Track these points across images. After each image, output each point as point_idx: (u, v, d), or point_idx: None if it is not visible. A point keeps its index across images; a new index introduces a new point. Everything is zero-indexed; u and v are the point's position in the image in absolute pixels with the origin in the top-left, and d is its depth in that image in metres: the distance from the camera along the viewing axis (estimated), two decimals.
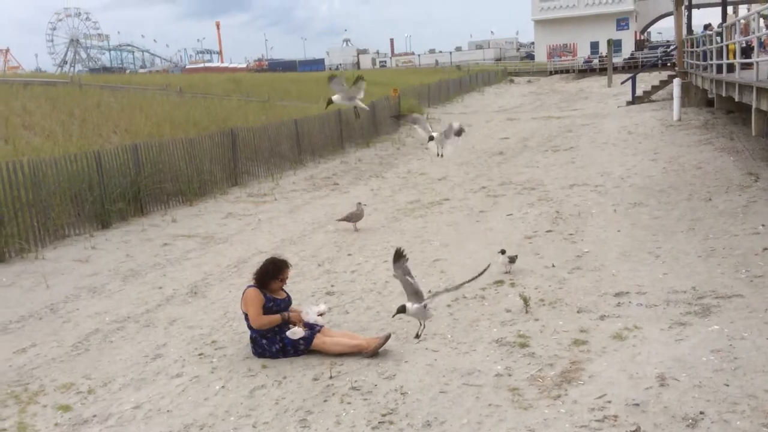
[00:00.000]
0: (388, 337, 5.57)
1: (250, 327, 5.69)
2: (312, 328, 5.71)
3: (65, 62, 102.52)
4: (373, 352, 5.49)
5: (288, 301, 5.84)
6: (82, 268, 8.78)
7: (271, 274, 5.73)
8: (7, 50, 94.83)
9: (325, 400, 4.81)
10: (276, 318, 5.64)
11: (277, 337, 5.62)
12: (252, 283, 5.77)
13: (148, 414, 4.81)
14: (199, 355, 5.82)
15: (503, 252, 7.40)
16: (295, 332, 5.53)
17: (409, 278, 5.26)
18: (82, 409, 4.96)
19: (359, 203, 10.50)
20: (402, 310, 5.24)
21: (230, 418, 4.67)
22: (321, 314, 5.78)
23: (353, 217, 10.18)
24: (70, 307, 7.35)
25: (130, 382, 5.37)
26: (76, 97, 20.35)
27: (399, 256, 5.19)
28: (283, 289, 5.87)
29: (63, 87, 23.00)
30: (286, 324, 5.62)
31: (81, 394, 5.21)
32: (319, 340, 5.63)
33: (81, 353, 6.06)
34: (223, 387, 5.16)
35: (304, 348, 5.61)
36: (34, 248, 9.38)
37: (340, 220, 10.46)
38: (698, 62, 21.56)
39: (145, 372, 5.55)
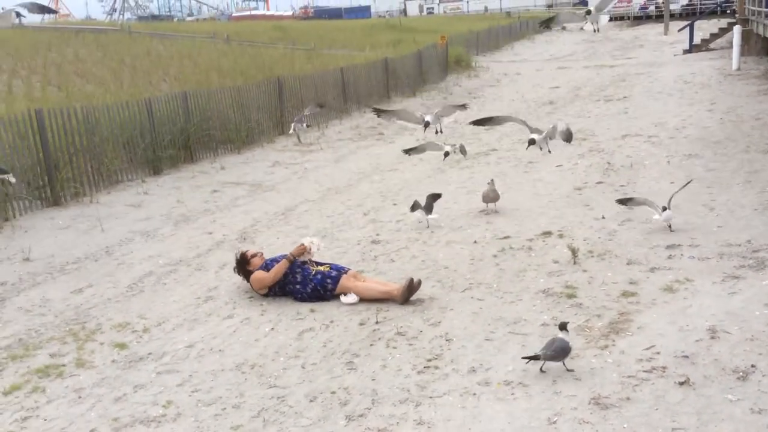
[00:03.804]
0: (411, 283, 5.56)
1: (282, 285, 5.89)
2: (340, 270, 5.86)
3: (114, 10, 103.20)
4: (403, 299, 5.53)
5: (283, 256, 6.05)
6: (135, 213, 9.00)
7: (242, 267, 6.03)
8: None
9: (372, 344, 4.89)
10: (282, 263, 5.86)
11: (305, 279, 5.82)
12: (245, 276, 6.06)
13: (200, 353, 4.97)
14: (249, 298, 5.95)
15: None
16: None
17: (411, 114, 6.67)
18: (138, 347, 5.15)
19: (490, 181, 8.22)
20: (426, 124, 6.71)
21: (279, 358, 4.79)
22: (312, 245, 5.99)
23: (486, 198, 8.16)
24: (124, 250, 7.58)
25: (183, 323, 5.54)
26: (126, 44, 20.58)
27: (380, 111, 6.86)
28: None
29: (113, 35, 23.28)
30: (296, 264, 5.89)
31: (136, 333, 5.40)
32: (349, 282, 5.71)
33: (135, 294, 6.27)
34: (272, 329, 5.29)
35: (332, 287, 5.72)
36: (89, 193, 9.64)
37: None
38: (761, 9, 20.52)
39: (197, 313, 5.72)
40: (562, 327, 4.27)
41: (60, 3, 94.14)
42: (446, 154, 7.78)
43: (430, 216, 7.59)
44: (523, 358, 4.27)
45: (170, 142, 11.35)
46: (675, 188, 6.86)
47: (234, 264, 6.14)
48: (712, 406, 3.70)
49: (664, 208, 6.72)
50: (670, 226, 6.75)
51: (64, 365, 4.90)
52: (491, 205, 8.08)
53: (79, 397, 4.43)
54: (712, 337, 4.46)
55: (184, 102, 11.88)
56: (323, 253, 6.79)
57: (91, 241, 7.89)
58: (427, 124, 6.71)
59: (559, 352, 4.13)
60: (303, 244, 5.96)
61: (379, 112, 7.33)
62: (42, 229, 8.26)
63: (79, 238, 8.02)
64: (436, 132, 7.09)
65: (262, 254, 6.14)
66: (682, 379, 3.99)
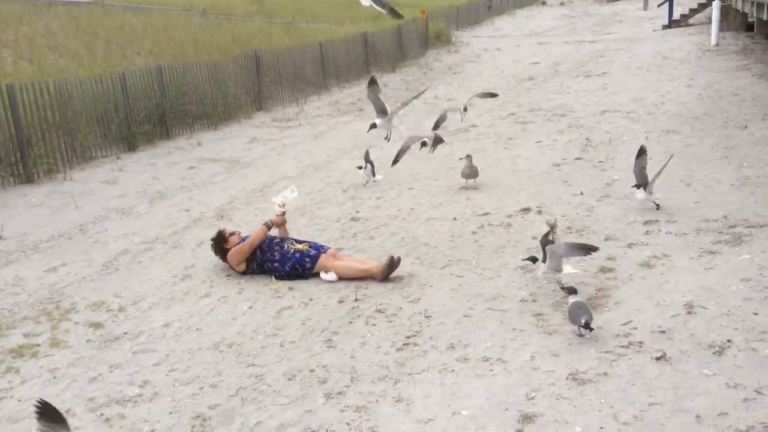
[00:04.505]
0: (392, 260, 5.54)
1: (260, 263, 5.83)
2: (318, 249, 5.81)
3: None
4: (383, 277, 5.51)
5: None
6: (110, 190, 8.86)
7: (219, 245, 5.96)
8: None
9: (351, 322, 4.87)
10: (260, 229, 5.85)
11: (283, 258, 5.76)
12: (221, 256, 5.99)
13: (177, 332, 4.92)
14: (227, 276, 5.90)
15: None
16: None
17: (379, 99, 6.40)
18: (113, 326, 5.09)
19: (466, 156, 8.06)
20: (373, 126, 6.49)
21: (258, 337, 4.76)
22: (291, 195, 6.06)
23: (464, 174, 8.04)
24: (99, 228, 7.46)
25: (159, 302, 5.48)
26: (99, 17, 20.14)
27: (372, 83, 6.46)
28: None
29: (86, 7, 22.75)
30: (268, 240, 5.86)
31: (111, 312, 5.33)
32: (328, 261, 5.67)
33: (111, 273, 6.18)
34: (250, 307, 5.24)
35: (311, 266, 5.68)
36: (62, 169, 9.47)
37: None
38: None
39: (174, 291, 5.66)
40: (572, 291, 4.48)
41: None
42: (423, 143, 7.74)
43: (375, 177, 8.43)
44: (582, 327, 4.26)
45: (145, 118, 11.17)
46: (655, 166, 6.86)
47: (211, 243, 6.06)
48: (688, 381, 3.74)
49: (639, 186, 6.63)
50: (657, 205, 6.71)
51: (38, 345, 4.83)
52: (470, 182, 8.06)
53: (54, 377, 4.37)
54: (689, 313, 4.50)
55: (159, 76, 11.67)
56: (303, 231, 6.75)
57: (65, 219, 7.76)
58: (373, 126, 6.76)
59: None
60: (278, 206, 5.98)
61: (371, 84, 7.14)
62: (15, 206, 8.10)
63: (53, 215, 7.88)
64: (386, 138, 7.14)
65: (239, 233, 6.07)
66: (659, 354, 4.02)
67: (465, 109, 9.81)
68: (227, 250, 5.89)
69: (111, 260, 6.49)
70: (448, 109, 9.29)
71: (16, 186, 8.81)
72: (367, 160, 8.47)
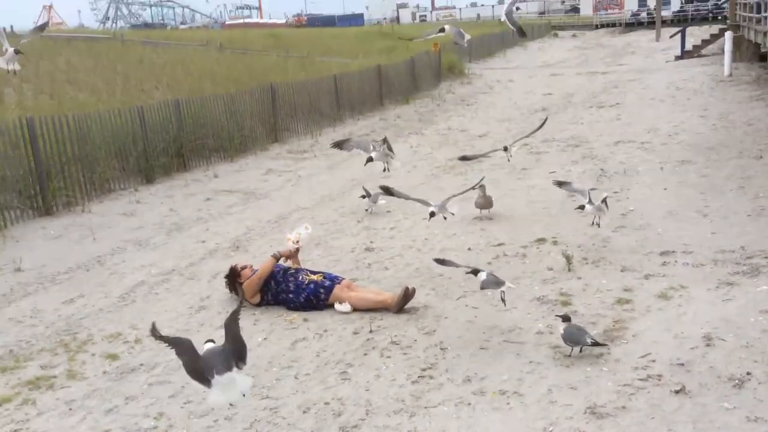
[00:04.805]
0: (407, 291, 5.54)
1: (275, 294, 5.87)
2: (333, 280, 5.82)
3: (107, 18, 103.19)
4: (398, 308, 5.50)
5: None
6: (127, 222, 8.95)
7: (233, 281, 6.00)
8: (51, 6, 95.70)
9: (365, 354, 4.85)
10: (268, 262, 5.89)
11: (298, 288, 5.78)
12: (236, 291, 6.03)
13: None
14: (242, 307, 5.90)
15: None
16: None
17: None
18: (129, 358, 5.10)
19: (479, 186, 7.63)
20: (369, 159, 6.83)
21: (272, 368, 4.75)
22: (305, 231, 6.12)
23: (477, 205, 8.06)
24: (116, 260, 7.52)
25: (175, 333, 5.48)
26: (118, 52, 20.55)
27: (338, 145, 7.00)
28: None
29: (106, 43, 23.24)
30: (283, 272, 5.91)
31: (128, 343, 5.35)
32: (342, 292, 5.68)
33: (128, 304, 6.21)
34: (265, 339, 5.25)
35: (325, 297, 5.68)
36: (81, 202, 9.58)
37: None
38: (752, 14, 20.64)
39: (189, 323, 5.67)
40: (566, 319, 4.53)
41: (53, 11, 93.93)
42: (369, 159, 7.38)
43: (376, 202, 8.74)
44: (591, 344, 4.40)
45: (163, 151, 11.31)
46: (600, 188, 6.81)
47: (225, 280, 6.10)
48: (708, 415, 3.68)
49: (590, 201, 6.53)
50: (597, 221, 6.68)
51: (55, 377, 4.84)
52: (484, 212, 8.06)
53: (70, 409, 4.38)
54: (708, 345, 4.45)
55: (177, 110, 11.85)
56: (317, 262, 6.78)
57: (83, 251, 7.83)
58: (370, 159, 6.93)
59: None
60: (292, 242, 6.00)
61: (338, 145, 7.31)
62: (33, 238, 8.20)
63: (71, 247, 7.96)
64: (385, 169, 7.26)
65: (251, 266, 6.10)
66: (678, 387, 3.97)
67: (505, 149, 8.04)
68: (241, 284, 5.92)
69: (128, 292, 6.53)
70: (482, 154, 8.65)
71: (34, 218, 8.92)
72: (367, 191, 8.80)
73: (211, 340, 3.70)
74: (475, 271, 4.90)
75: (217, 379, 3.43)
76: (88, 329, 5.67)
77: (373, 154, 6.92)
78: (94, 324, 5.77)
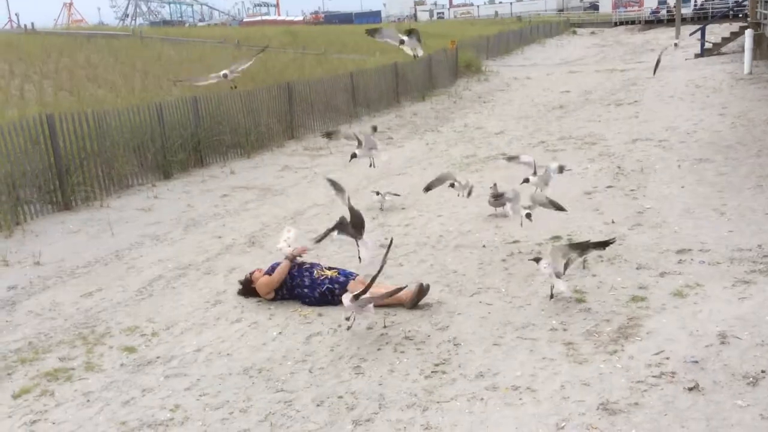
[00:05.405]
0: (421, 287, 5.56)
1: (290, 288, 5.90)
2: (348, 276, 5.87)
3: (126, 15, 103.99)
4: (412, 304, 5.52)
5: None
6: (145, 217, 9.05)
7: (248, 288, 6.04)
8: (71, 4, 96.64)
9: (379, 349, 4.88)
10: (283, 264, 5.90)
11: (313, 283, 5.81)
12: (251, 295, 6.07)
13: (208, 357, 4.98)
14: (257, 302, 5.96)
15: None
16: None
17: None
18: (146, 350, 5.17)
19: (492, 186, 7.99)
20: (353, 156, 6.92)
21: (287, 362, 4.79)
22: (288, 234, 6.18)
23: (491, 203, 8.02)
24: (134, 254, 7.61)
25: (191, 327, 5.55)
26: (137, 49, 20.72)
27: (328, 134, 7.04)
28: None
29: (125, 40, 23.44)
30: (298, 266, 5.95)
31: (145, 336, 5.42)
32: (357, 288, 5.68)
33: (145, 298, 6.29)
34: (280, 333, 5.29)
35: (339, 292, 5.69)
36: (100, 197, 9.70)
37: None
38: None
39: (205, 317, 5.73)
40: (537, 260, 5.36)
41: (73, 8, 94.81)
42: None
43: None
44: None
45: (180, 147, 11.41)
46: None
47: (240, 290, 6.15)
48: (721, 412, 3.67)
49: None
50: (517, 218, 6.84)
51: (73, 369, 4.92)
52: (500, 210, 8.04)
53: (88, 401, 4.45)
54: (722, 343, 4.42)
55: (195, 107, 11.94)
56: (332, 258, 6.81)
57: (102, 245, 7.93)
58: (354, 156, 6.97)
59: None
60: (286, 248, 6.07)
61: (328, 135, 7.40)
62: (53, 233, 8.31)
63: (90, 242, 8.07)
64: (370, 165, 7.30)
65: (260, 269, 6.14)
66: (692, 385, 3.95)
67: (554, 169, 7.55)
68: (254, 289, 5.98)
69: (145, 286, 6.61)
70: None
71: (54, 213, 9.04)
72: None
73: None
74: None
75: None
76: (105, 322, 5.75)
77: (357, 151, 6.91)
78: (112, 317, 5.85)
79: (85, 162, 9.71)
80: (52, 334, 5.55)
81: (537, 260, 5.44)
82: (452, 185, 7.78)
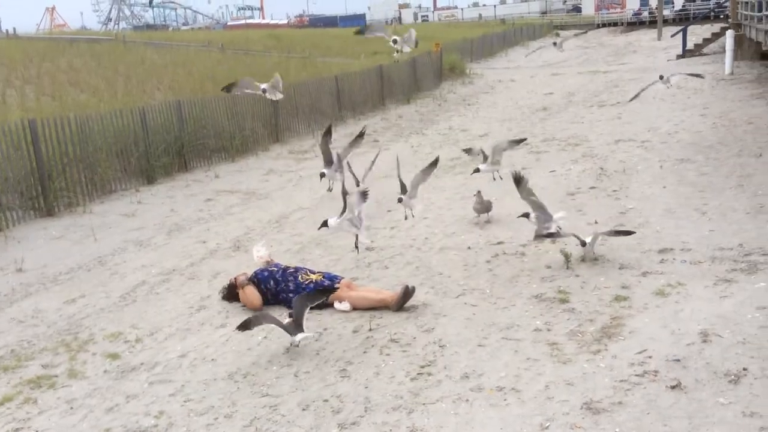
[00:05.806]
0: (407, 290, 5.56)
1: (275, 293, 5.89)
2: (333, 279, 5.86)
3: (109, 20, 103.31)
4: (398, 307, 5.53)
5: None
6: (128, 222, 9.00)
7: (232, 293, 6.02)
8: (53, 8, 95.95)
9: (365, 352, 4.88)
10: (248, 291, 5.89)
11: (298, 288, 5.78)
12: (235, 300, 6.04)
13: (193, 362, 4.96)
14: (242, 307, 5.94)
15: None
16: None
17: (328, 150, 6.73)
18: (130, 357, 5.14)
19: (476, 193, 8.08)
20: (322, 175, 6.81)
21: (272, 367, 4.78)
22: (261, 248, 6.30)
23: (476, 209, 8.03)
24: (117, 260, 7.57)
25: (175, 332, 5.53)
26: (120, 54, 20.60)
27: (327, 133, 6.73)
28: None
29: (108, 44, 23.30)
30: (282, 270, 5.99)
31: (128, 342, 5.39)
32: (342, 292, 5.70)
33: (128, 304, 6.25)
34: (265, 338, 5.28)
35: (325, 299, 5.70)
36: (82, 202, 9.64)
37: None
38: (753, 13, 20.63)
39: (190, 322, 5.71)
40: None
41: (55, 13, 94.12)
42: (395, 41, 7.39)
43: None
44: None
45: (164, 151, 11.36)
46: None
47: (224, 294, 6.12)
48: (704, 410, 3.70)
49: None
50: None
51: (56, 376, 4.88)
52: (483, 216, 8.04)
53: (71, 408, 4.42)
54: (704, 341, 4.47)
55: (179, 111, 11.89)
56: (317, 261, 6.81)
57: (84, 251, 7.88)
58: (322, 175, 6.88)
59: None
60: (263, 260, 6.19)
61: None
62: (35, 239, 8.25)
63: (72, 248, 8.01)
64: (329, 189, 7.26)
65: (244, 273, 6.11)
66: (674, 383, 3.99)
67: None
68: (238, 294, 5.96)
69: (129, 292, 6.57)
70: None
71: (36, 219, 8.97)
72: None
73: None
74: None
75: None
76: (89, 329, 5.71)
77: (324, 171, 6.89)
78: (95, 323, 5.81)
79: (68, 167, 9.64)
80: (34, 341, 5.51)
81: (526, 215, 6.45)
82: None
